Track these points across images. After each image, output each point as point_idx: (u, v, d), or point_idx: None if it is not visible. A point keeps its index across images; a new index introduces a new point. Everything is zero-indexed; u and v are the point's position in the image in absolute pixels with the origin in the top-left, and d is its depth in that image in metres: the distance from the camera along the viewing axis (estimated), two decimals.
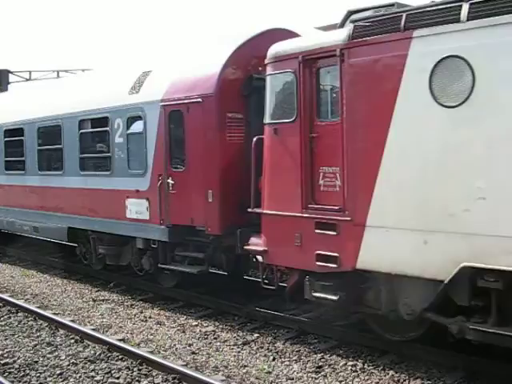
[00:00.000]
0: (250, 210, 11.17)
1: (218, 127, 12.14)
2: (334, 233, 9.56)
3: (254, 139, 11.14)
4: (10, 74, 45.08)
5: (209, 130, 12.25)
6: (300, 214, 10.09)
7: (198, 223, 12.54)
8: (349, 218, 9.33)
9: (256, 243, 11.05)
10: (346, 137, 9.33)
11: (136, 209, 13.94)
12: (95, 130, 15.64)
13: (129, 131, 14.19)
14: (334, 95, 9.88)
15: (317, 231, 9.84)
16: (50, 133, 17.31)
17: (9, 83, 44.73)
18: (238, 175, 12.03)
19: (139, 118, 13.86)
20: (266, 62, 10.83)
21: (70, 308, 13.69)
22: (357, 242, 9.22)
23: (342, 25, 9.92)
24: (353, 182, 9.31)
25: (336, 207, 9.52)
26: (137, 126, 14.00)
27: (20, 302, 13.82)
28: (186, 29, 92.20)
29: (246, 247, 11.34)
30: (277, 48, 10.68)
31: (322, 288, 9.94)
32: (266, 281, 11.40)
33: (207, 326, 11.97)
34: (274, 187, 10.64)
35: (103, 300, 14.36)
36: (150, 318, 12.70)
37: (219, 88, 12.14)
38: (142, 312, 13.15)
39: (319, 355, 10.13)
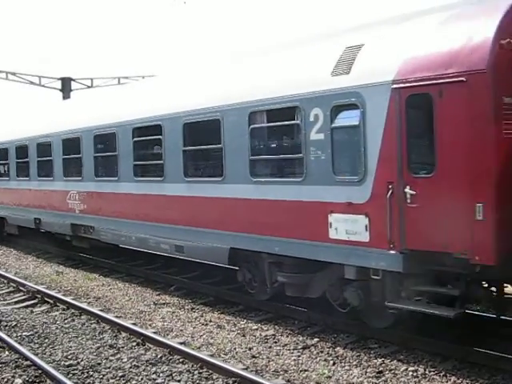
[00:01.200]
0: None
1: (493, 117, 8.84)
2: None
3: None
4: (72, 82, 45.94)
5: (478, 121, 8.90)
6: None
7: (457, 249, 9.11)
8: None
9: None
10: None
11: (347, 227, 10.53)
12: (276, 124, 12.32)
13: (334, 124, 10.69)
14: None
15: None
16: (202, 130, 14.21)
17: (71, 90, 45.59)
18: None
19: (353, 106, 10.44)
20: None
21: (132, 311, 13.86)
22: None
23: None
24: None
25: None
26: (348, 118, 10.66)
27: (83, 305, 14.03)
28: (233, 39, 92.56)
29: None
30: None
31: None
32: None
33: (267, 330, 11.99)
34: None
35: (164, 303, 14.48)
36: (210, 321, 12.78)
37: (493, 61, 8.78)
38: (202, 316, 13.24)
39: (380, 360, 10.06)
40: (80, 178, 18.98)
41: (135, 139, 16.19)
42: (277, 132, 12.61)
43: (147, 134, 15.93)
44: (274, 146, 12.69)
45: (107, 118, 17.57)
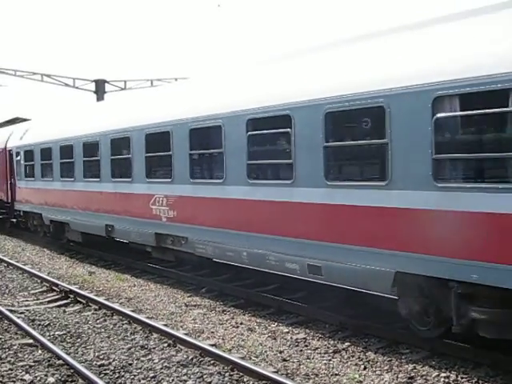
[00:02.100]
0: None
1: None
2: None
3: None
4: (106, 84, 46.39)
5: None
6: None
7: None
8: None
9: None
10: None
11: None
12: (476, 112, 9.20)
13: None
14: None
15: None
16: (353, 120, 11.34)
17: (105, 92, 46.03)
18: None
19: None
20: None
21: (163, 312, 13.91)
22: None
23: None
24: None
25: None
26: None
27: (115, 306, 14.11)
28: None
29: None
30: None
31: None
32: None
33: (298, 333, 11.95)
34: None
35: (195, 305, 14.50)
36: (241, 323, 12.77)
37: None
38: (233, 318, 13.24)
39: (411, 365, 9.97)
40: (169, 180, 15.94)
41: (250, 133, 13.19)
42: (478, 123, 9.57)
43: (269, 127, 12.89)
44: (474, 141, 9.51)
45: (208, 108, 14.59)
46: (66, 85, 45.61)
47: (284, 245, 12.31)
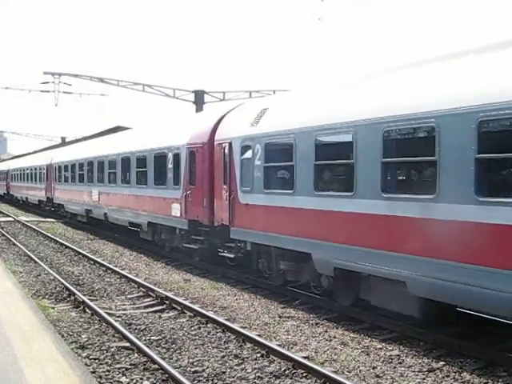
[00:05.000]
0: None
1: None
2: None
3: None
4: (205, 95, 47.09)
5: None
6: None
7: None
8: None
9: None
10: None
11: None
12: None
13: None
14: None
15: None
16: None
17: (204, 103, 46.70)
18: None
19: None
20: None
21: (257, 322, 13.99)
22: None
23: None
24: None
25: None
26: None
27: (210, 314, 14.28)
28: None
29: None
30: None
31: None
32: None
33: (392, 350, 11.81)
34: None
35: (289, 317, 14.51)
36: (334, 337, 12.71)
37: None
38: (326, 331, 13.19)
39: None
40: None
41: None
42: None
43: None
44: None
45: None
46: (167, 95, 46.50)
47: None
